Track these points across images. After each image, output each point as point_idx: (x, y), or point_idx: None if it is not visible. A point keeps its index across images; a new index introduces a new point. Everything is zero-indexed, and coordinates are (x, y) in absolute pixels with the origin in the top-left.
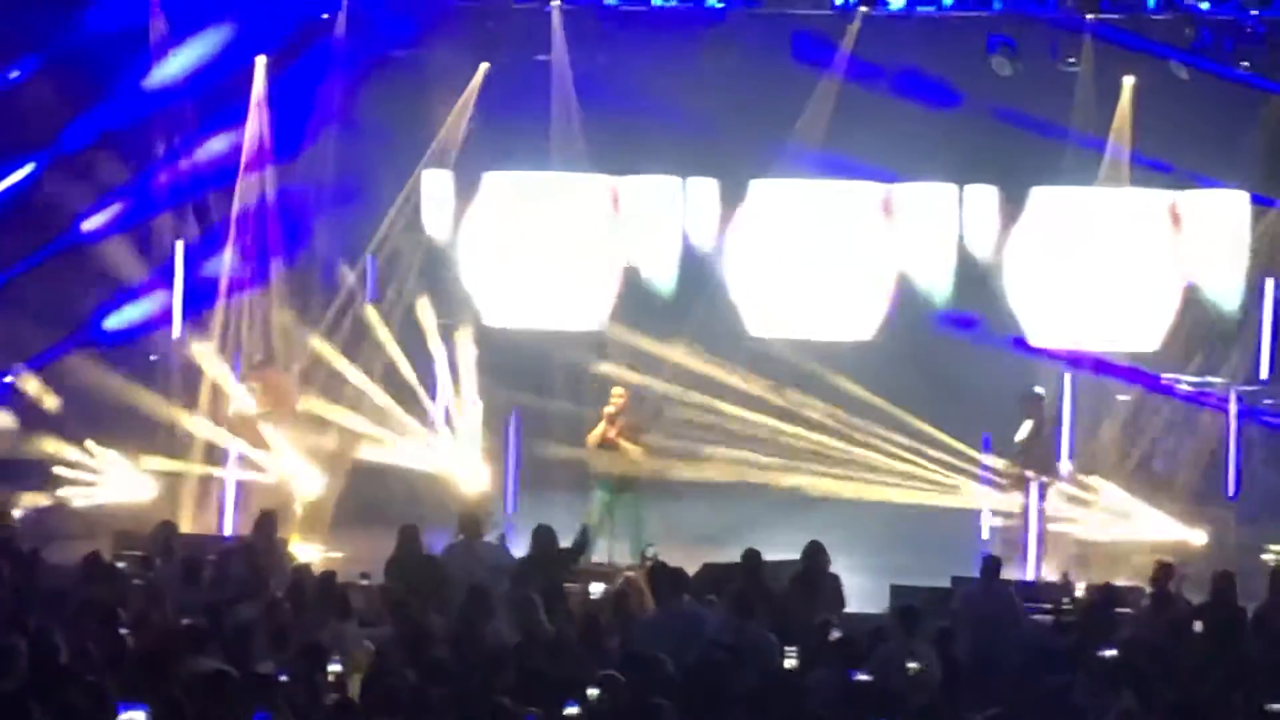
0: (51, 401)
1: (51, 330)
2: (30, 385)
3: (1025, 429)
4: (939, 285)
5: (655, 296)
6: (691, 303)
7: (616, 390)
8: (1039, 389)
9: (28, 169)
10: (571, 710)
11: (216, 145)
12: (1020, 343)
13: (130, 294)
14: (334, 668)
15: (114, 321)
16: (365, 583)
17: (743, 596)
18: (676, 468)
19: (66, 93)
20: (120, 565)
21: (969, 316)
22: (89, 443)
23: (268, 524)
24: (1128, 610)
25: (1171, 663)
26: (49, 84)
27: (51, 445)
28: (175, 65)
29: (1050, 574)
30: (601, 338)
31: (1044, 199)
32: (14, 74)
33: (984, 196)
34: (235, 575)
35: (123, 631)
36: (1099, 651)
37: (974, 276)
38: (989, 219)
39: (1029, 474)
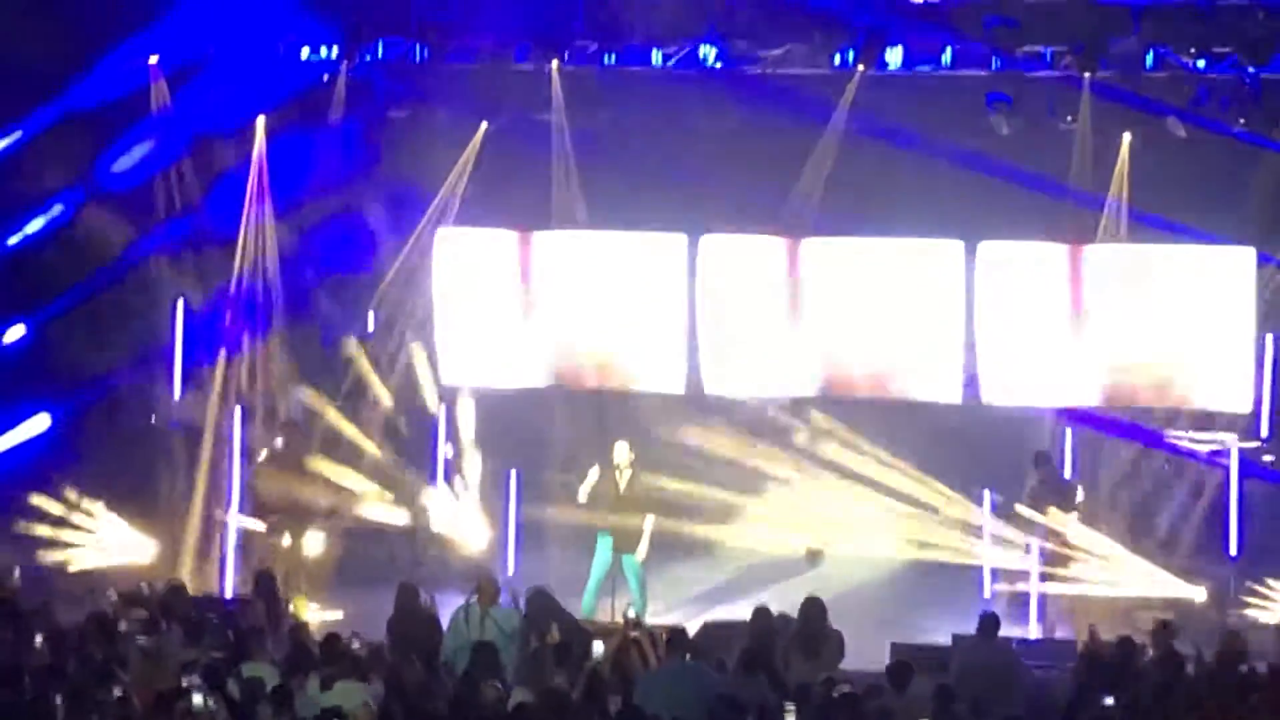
0: None
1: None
2: None
3: (1032, 480)
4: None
5: (657, 354)
6: (691, 359)
7: (621, 445)
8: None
9: (37, 224)
10: None
11: (217, 204)
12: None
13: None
14: None
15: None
16: (358, 643)
17: (751, 654)
18: (679, 526)
19: (68, 152)
20: (123, 626)
21: None
22: (89, 503)
23: (266, 584)
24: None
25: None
26: (52, 143)
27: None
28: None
29: (1062, 631)
30: (602, 398)
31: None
32: (17, 134)
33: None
34: (237, 635)
35: (118, 694)
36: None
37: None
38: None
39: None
